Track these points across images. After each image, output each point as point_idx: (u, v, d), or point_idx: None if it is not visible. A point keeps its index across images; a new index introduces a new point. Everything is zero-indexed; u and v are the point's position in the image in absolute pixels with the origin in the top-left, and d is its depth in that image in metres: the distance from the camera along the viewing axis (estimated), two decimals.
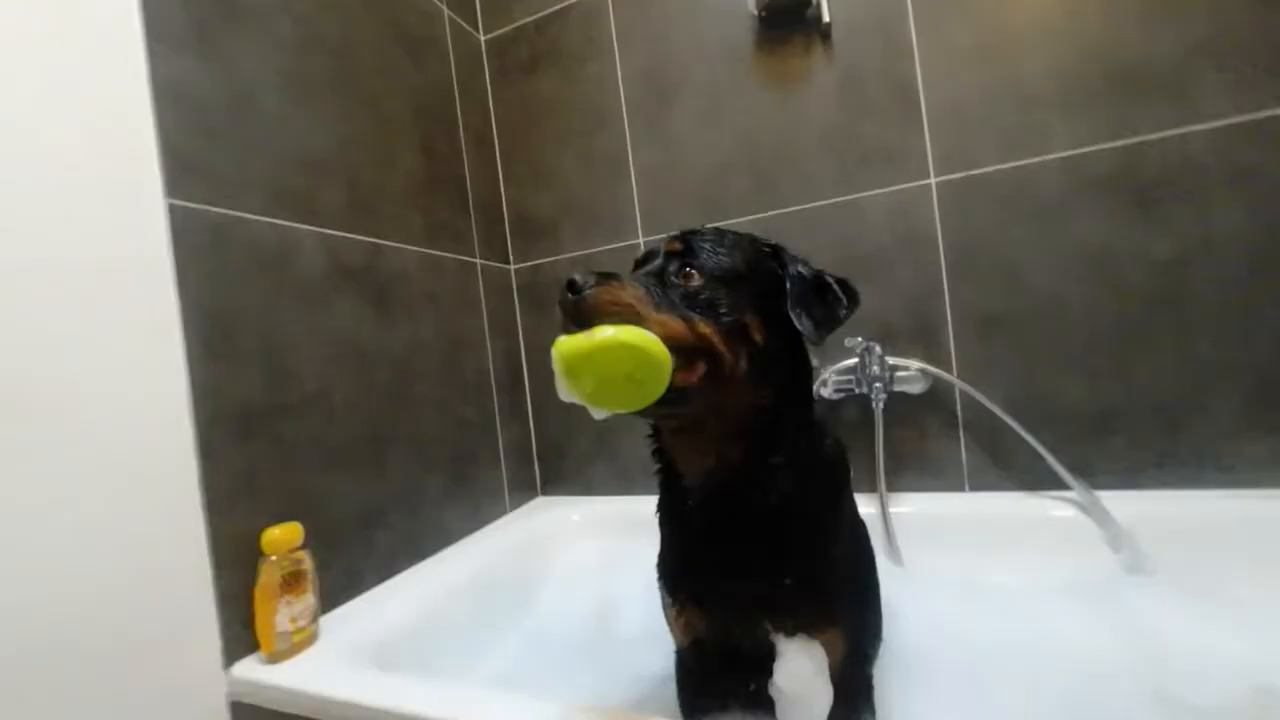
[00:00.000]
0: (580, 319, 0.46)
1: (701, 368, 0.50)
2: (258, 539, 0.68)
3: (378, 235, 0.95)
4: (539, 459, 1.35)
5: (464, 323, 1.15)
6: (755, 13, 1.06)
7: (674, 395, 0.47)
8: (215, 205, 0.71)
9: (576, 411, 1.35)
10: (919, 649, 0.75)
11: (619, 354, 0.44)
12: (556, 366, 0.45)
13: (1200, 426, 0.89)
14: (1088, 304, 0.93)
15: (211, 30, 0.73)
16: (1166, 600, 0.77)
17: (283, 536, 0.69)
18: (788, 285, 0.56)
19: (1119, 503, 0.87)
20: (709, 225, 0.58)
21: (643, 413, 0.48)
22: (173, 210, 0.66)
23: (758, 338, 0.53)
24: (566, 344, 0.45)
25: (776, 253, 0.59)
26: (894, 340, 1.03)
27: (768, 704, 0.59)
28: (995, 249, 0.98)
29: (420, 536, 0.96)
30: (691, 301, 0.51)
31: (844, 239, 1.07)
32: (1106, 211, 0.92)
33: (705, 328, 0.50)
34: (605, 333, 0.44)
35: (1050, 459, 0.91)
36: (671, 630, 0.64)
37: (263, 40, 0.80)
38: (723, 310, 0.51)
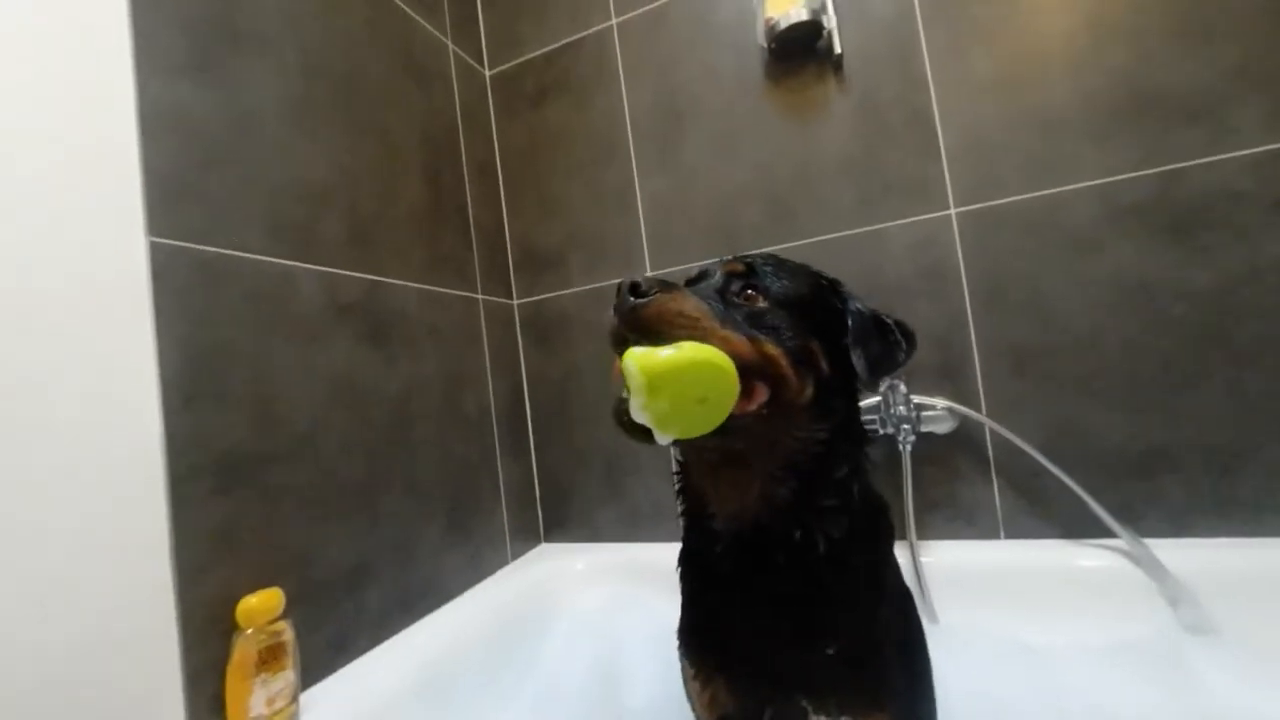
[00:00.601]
0: (640, 327, 0.42)
1: (764, 394, 0.45)
2: (233, 608, 0.61)
3: (378, 270, 0.91)
4: (542, 502, 1.28)
5: (465, 359, 1.10)
6: (764, 45, 1.05)
7: (732, 423, 0.42)
8: (206, 244, 0.66)
9: (581, 451, 1.29)
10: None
11: (700, 373, 0.40)
12: (635, 380, 0.40)
13: (1255, 468, 0.83)
14: (1125, 337, 0.88)
15: (213, 54, 0.70)
16: (1234, 665, 0.69)
17: (261, 606, 0.62)
18: (849, 321, 0.52)
19: (1170, 552, 0.80)
20: (763, 251, 0.55)
21: (696, 441, 0.43)
22: (154, 249, 0.62)
23: (824, 365, 0.49)
24: (646, 357, 0.40)
25: (835, 286, 0.56)
26: (919, 378, 0.97)
27: None
28: (1023, 281, 0.93)
29: (416, 593, 0.89)
30: (755, 323, 0.47)
31: (865, 271, 1.02)
32: (1141, 241, 0.87)
33: (772, 349, 0.46)
34: (686, 348, 0.40)
35: (1092, 503, 0.84)
36: (692, 705, 0.57)
37: (266, 66, 0.77)
38: (787, 335, 0.47)
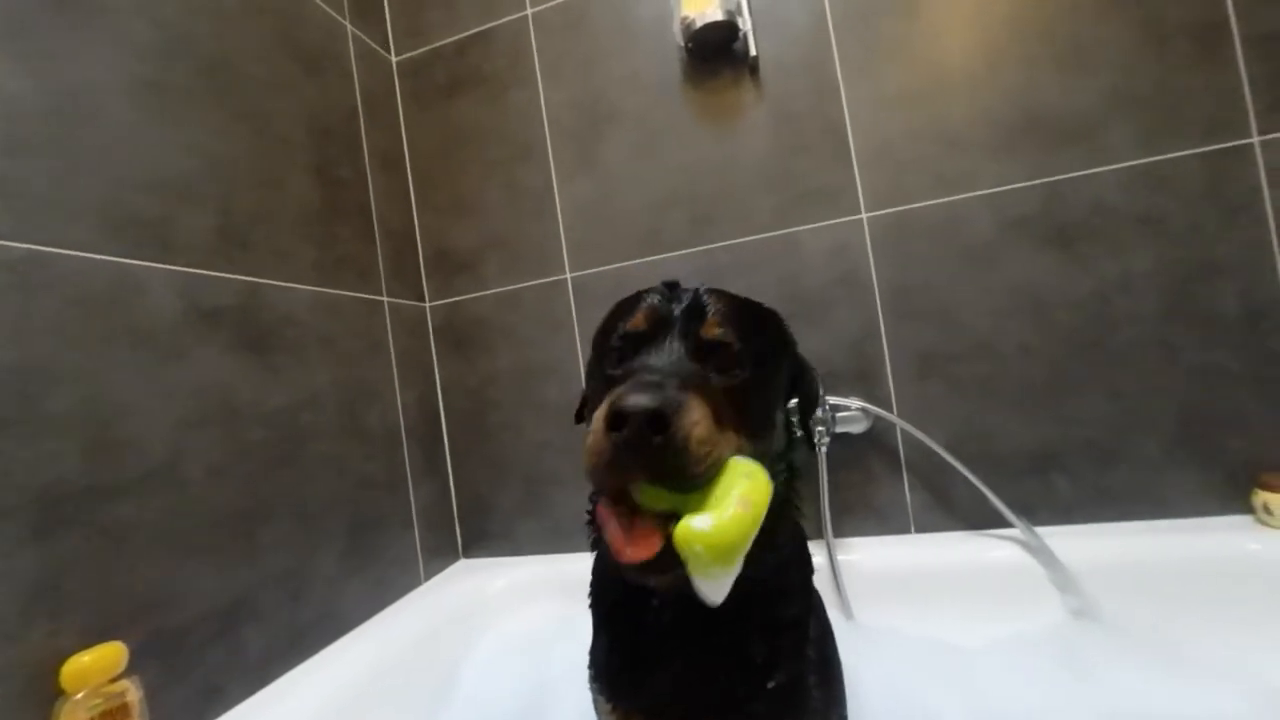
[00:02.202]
0: (668, 470, 0.35)
1: None
2: (57, 671, 0.52)
3: (257, 273, 0.81)
4: (460, 517, 1.21)
5: (367, 369, 1.01)
6: (682, 44, 1.03)
7: None
8: (18, 239, 0.56)
9: (500, 465, 1.23)
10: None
11: (759, 519, 0.36)
12: (700, 561, 0.34)
13: (1131, 461, 0.89)
14: (1019, 342, 0.93)
15: (35, 24, 0.60)
16: (1117, 651, 0.74)
17: (94, 664, 0.53)
18: (805, 373, 0.54)
19: (1059, 539, 0.86)
20: (707, 287, 0.49)
21: None
22: None
23: (795, 430, 0.50)
24: (715, 534, 0.34)
25: (782, 325, 0.56)
26: (835, 381, 0.99)
27: None
28: (929, 288, 0.97)
29: (307, 627, 0.81)
30: (740, 403, 0.42)
31: (784, 277, 1.03)
32: (1032, 250, 0.93)
33: (758, 443, 0.43)
34: (750, 503, 0.35)
35: (992, 497, 0.88)
36: None
37: (105, 40, 0.66)
38: (769, 409, 0.47)
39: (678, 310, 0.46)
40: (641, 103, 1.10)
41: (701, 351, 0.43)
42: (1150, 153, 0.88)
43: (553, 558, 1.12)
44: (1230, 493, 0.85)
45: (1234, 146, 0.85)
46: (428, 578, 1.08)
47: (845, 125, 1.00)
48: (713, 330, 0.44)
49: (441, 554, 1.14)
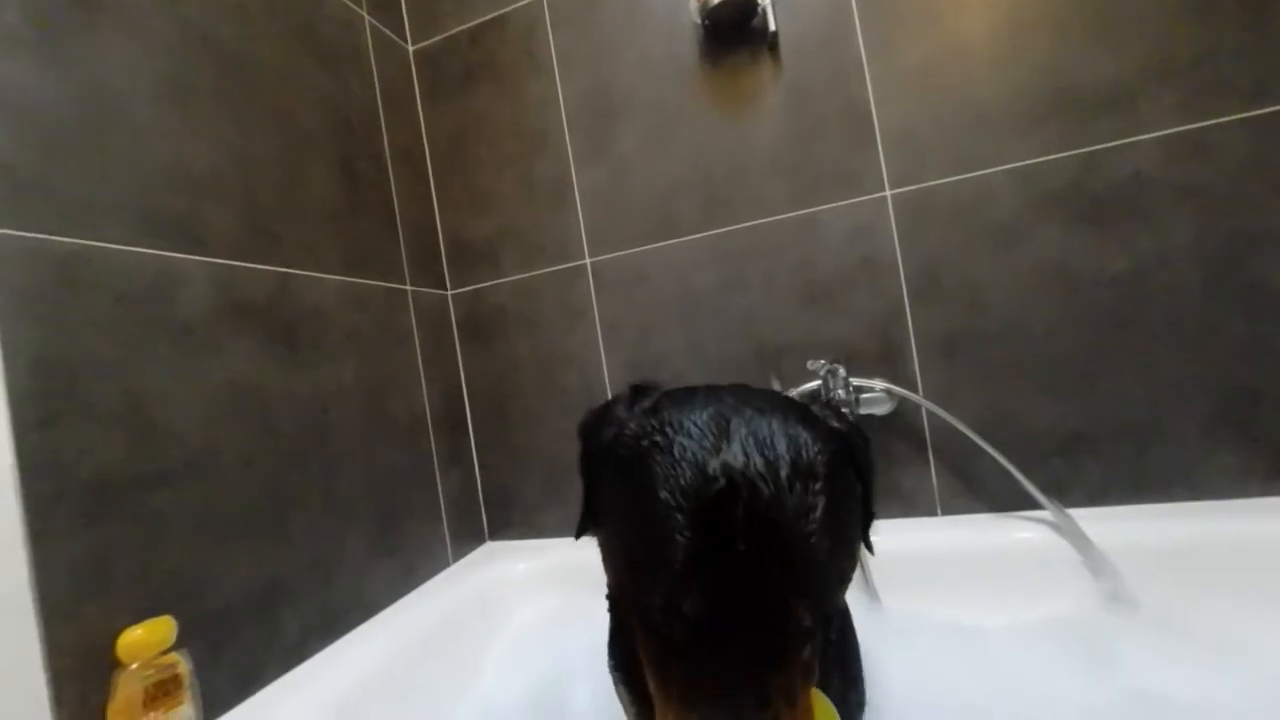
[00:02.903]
0: None
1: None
2: (113, 644, 0.55)
3: (285, 264, 0.83)
4: (485, 504, 1.23)
5: (393, 360, 1.03)
6: (699, 21, 1.02)
7: None
8: (61, 234, 0.58)
9: (522, 453, 1.25)
10: (904, 707, 0.68)
11: None
12: None
13: (1167, 442, 0.87)
14: (1049, 321, 0.91)
15: (58, 27, 0.61)
16: (1149, 636, 0.72)
17: (147, 638, 0.56)
18: (869, 492, 0.41)
19: (1091, 522, 0.84)
20: (774, 460, 0.33)
21: None
22: (3, 241, 0.54)
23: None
24: None
25: (866, 472, 0.40)
26: (858, 363, 0.97)
27: None
28: (955, 267, 0.95)
29: (338, 609, 0.83)
30: (823, 656, 0.37)
31: (803, 260, 1.02)
32: (1061, 226, 0.90)
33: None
34: None
35: (1021, 478, 0.86)
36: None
37: (130, 41, 0.68)
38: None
39: (740, 576, 0.31)
40: (657, 85, 1.09)
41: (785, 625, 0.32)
42: (1191, 119, 0.84)
43: (572, 541, 1.14)
44: (1273, 473, 0.82)
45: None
46: (455, 560, 1.11)
47: (869, 101, 0.98)
48: (801, 618, 0.32)
49: (468, 538, 1.16)
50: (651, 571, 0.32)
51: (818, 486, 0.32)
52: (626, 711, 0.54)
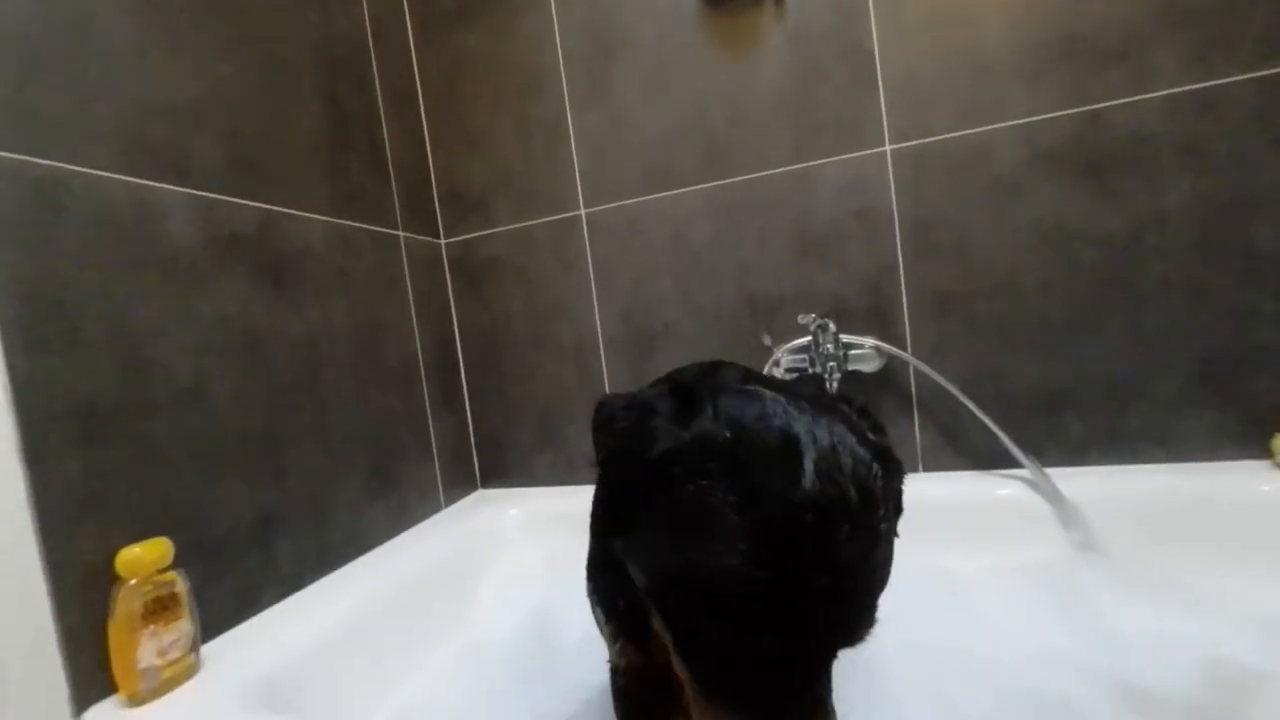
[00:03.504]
0: None
1: None
2: (112, 561, 0.57)
3: (271, 200, 0.82)
4: (478, 451, 1.25)
5: (385, 303, 1.03)
6: None
7: None
8: (36, 155, 0.57)
9: (515, 401, 1.26)
10: (879, 646, 0.71)
11: None
12: None
13: (1146, 403, 0.88)
14: (1041, 280, 0.91)
15: None
16: (1117, 583, 0.76)
17: (144, 555, 0.57)
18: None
19: (1068, 480, 0.86)
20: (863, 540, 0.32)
21: None
22: None
23: None
24: None
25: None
26: (848, 319, 0.98)
27: None
28: (951, 224, 0.94)
29: (333, 544, 0.86)
30: None
31: (798, 213, 1.01)
32: (1061, 183, 0.89)
33: None
34: None
35: (1003, 437, 0.88)
36: (607, 645, 0.57)
37: None
38: None
39: (817, 609, 0.31)
40: (655, 28, 1.05)
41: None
42: (1200, 77, 0.82)
43: (564, 489, 1.17)
44: (1248, 436, 0.84)
45: None
46: (447, 505, 1.14)
47: (873, 49, 0.95)
48: (863, 642, 0.33)
49: (460, 484, 1.19)
50: (719, 601, 0.31)
51: (883, 514, 0.32)
52: (601, 630, 0.57)
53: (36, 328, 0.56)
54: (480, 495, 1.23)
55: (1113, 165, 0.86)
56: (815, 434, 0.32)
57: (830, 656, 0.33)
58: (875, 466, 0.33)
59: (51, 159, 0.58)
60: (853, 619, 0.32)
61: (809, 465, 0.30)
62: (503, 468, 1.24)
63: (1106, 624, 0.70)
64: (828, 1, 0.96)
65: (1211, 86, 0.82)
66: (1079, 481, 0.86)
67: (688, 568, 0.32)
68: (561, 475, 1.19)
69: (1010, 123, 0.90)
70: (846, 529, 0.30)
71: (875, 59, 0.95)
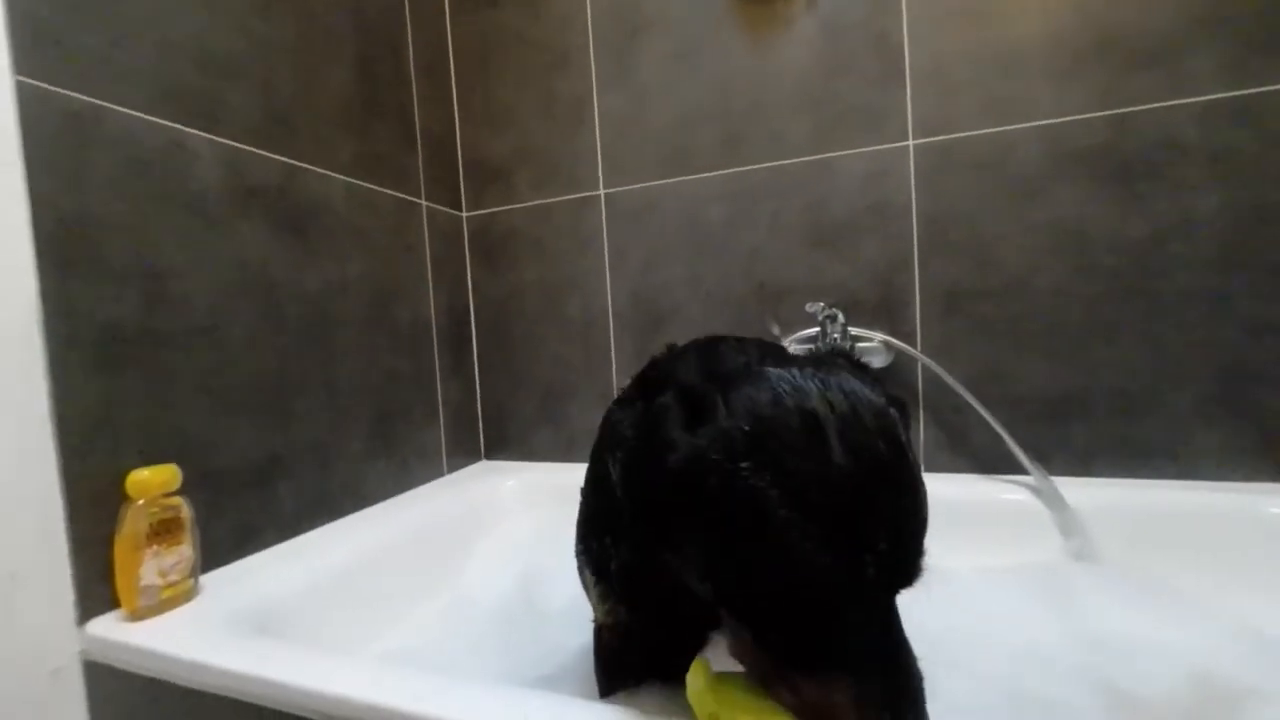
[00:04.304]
0: None
1: None
2: (123, 481, 0.59)
3: (297, 156, 0.85)
4: (484, 421, 1.27)
5: (401, 267, 1.05)
6: None
7: None
8: (79, 91, 0.60)
9: (522, 374, 1.27)
10: None
11: None
12: None
13: (1158, 416, 0.86)
14: (1056, 283, 0.89)
15: None
16: (1112, 589, 0.74)
17: (153, 479, 0.60)
18: None
19: (1073, 489, 0.85)
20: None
21: None
22: (21, 88, 0.56)
23: None
24: None
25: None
26: (857, 312, 0.97)
27: None
28: (969, 221, 0.93)
29: (334, 493, 0.88)
30: None
31: (814, 203, 1.00)
32: (1085, 187, 0.87)
33: None
34: None
35: (1009, 441, 0.87)
36: (591, 603, 0.58)
37: None
38: None
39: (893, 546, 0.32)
40: (685, 8, 1.05)
41: None
42: (1235, 85, 0.80)
43: (564, 466, 1.18)
44: (1264, 457, 0.82)
45: None
46: (450, 471, 1.16)
47: (902, 41, 0.94)
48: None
49: (464, 452, 1.21)
50: (792, 590, 0.32)
51: (912, 456, 0.34)
52: (587, 589, 0.57)
53: (67, 253, 0.58)
54: (484, 465, 1.25)
55: (1140, 170, 0.85)
56: (831, 401, 0.32)
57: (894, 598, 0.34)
58: (893, 412, 0.34)
59: (85, 93, 0.61)
60: (911, 565, 0.33)
61: (835, 440, 0.31)
62: (506, 439, 1.26)
63: (1102, 631, 0.69)
64: None
65: (1249, 95, 0.80)
66: (1084, 491, 0.84)
67: (751, 569, 0.32)
68: (561, 450, 1.20)
69: (1037, 122, 0.89)
70: (886, 487, 0.31)
71: (904, 52, 0.94)
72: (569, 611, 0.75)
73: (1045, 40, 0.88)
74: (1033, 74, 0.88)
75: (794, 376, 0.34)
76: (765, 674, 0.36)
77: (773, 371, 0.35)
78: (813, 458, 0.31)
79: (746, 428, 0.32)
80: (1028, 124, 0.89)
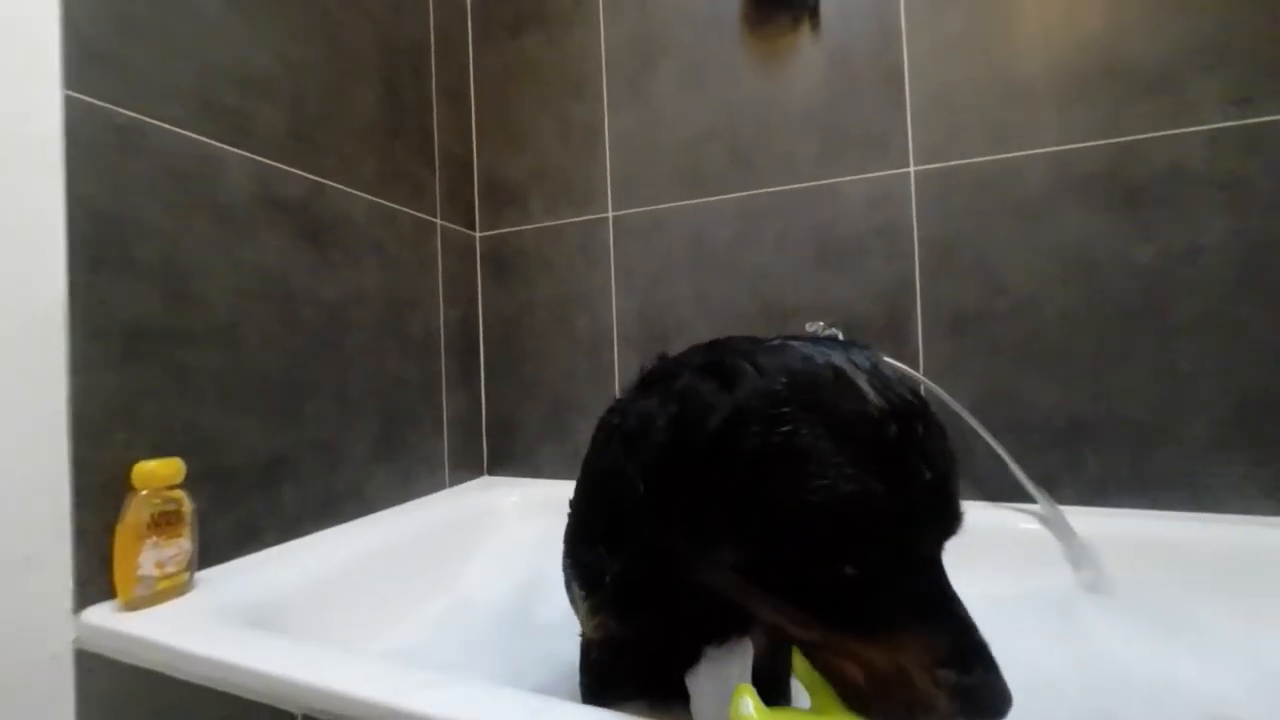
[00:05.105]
0: None
1: None
2: (129, 472, 0.61)
3: (321, 173, 0.89)
4: (488, 436, 1.28)
5: (414, 281, 1.09)
6: None
7: None
8: (124, 106, 0.65)
9: (529, 389, 1.29)
10: None
11: None
12: None
13: (1173, 445, 0.84)
14: (1063, 308, 0.89)
15: None
16: (1123, 622, 0.71)
17: (158, 471, 0.62)
18: None
19: (1083, 519, 0.82)
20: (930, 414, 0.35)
21: None
22: (69, 102, 0.60)
23: None
24: None
25: None
26: (861, 333, 0.97)
27: (681, 695, 0.52)
28: (973, 245, 0.93)
29: (337, 498, 0.89)
30: None
31: (819, 225, 1.02)
32: (1091, 212, 0.87)
33: None
34: None
35: (1015, 469, 0.85)
36: (580, 618, 0.58)
37: None
38: None
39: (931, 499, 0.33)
40: (695, 41, 1.10)
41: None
42: (1242, 114, 0.80)
43: (567, 482, 1.17)
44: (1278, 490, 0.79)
45: None
46: (452, 484, 1.16)
47: (903, 71, 0.97)
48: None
49: (467, 466, 1.22)
50: (845, 530, 0.31)
51: (933, 409, 0.35)
52: (575, 603, 0.57)
53: (98, 249, 0.62)
54: (485, 481, 1.25)
55: (1147, 198, 0.85)
56: (854, 360, 0.35)
57: (941, 550, 0.35)
58: (907, 376, 0.37)
59: (132, 110, 0.66)
60: (954, 505, 0.34)
61: (866, 386, 0.33)
62: (510, 455, 1.26)
63: (1113, 664, 0.66)
64: (863, 22, 0.99)
65: (1256, 124, 0.80)
66: (1094, 522, 0.82)
67: (800, 522, 0.32)
68: (566, 466, 1.20)
69: (1044, 149, 0.90)
70: (921, 426, 0.33)
71: (905, 81, 0.97)
72: (565, 624, 0.74)
73: (1049, 69, 0.89)
74: (1037, 102, 0.90)
75: (815, 344, 0.37)
76: (818, 653, 0.35)
77: (794, 342, 0.38)
78: (851, 399, 0.33)
79: (784, 379, 0.34)
80: (1034, 151, 0.90)
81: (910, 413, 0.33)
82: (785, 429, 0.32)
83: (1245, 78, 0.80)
